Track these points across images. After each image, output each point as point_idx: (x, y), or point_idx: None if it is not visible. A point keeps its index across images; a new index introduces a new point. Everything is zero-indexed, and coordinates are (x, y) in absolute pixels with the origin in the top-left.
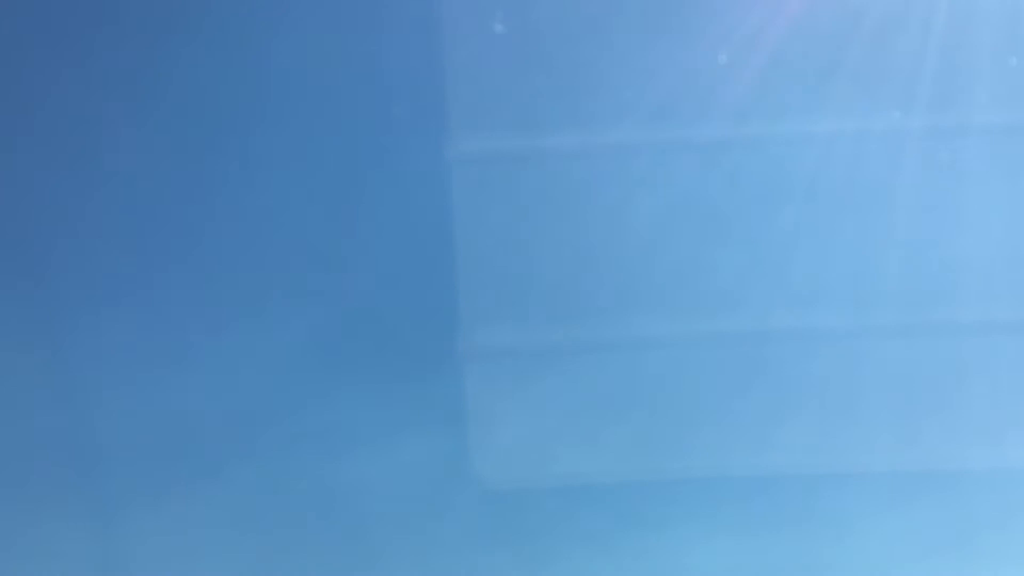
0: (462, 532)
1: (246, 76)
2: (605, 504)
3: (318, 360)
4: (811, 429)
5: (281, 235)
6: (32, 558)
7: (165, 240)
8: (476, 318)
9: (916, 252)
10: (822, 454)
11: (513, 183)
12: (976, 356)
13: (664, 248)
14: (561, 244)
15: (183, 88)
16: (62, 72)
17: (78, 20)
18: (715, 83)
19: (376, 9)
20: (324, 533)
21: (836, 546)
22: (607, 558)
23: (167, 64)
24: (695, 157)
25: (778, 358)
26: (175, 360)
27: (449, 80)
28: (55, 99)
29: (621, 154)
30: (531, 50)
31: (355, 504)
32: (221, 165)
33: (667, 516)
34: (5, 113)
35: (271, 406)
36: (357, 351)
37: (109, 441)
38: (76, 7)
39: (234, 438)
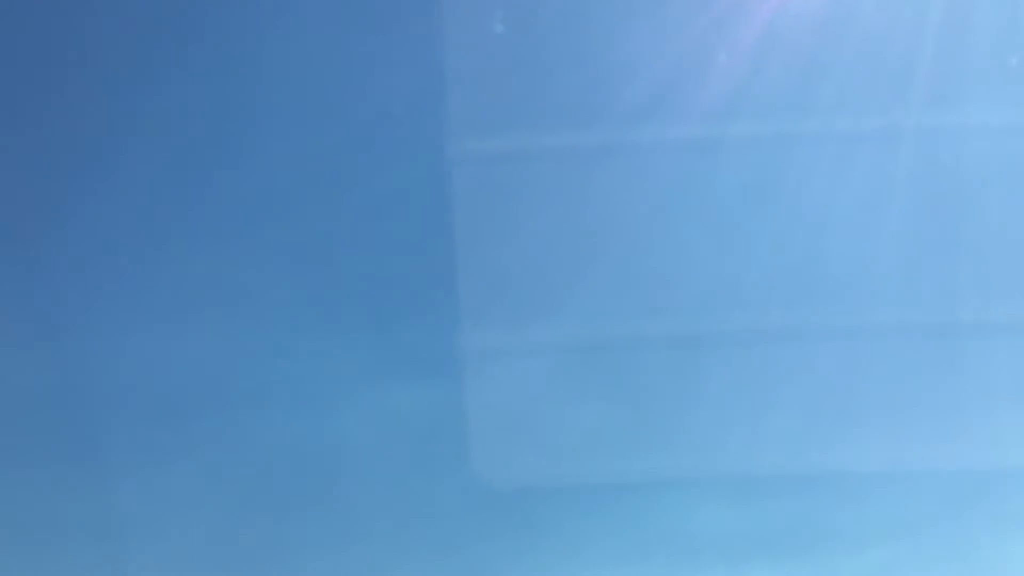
0: (460, 530)
1: (246, 76)
2: (603, 503)
3: (318, 357)
4: (811, 429)
5: (281, 235)
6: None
7: (161, 240)
8: (476, 318)
9: (914, 252)
10: (821, 452)
11: (513, 183)
12: (975, 355)
13: (663, 247)
14: (561, 244)
15: (184, 88)
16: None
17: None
18: (715, 83)
19: (376, 9)
20: (323, 532)
21: (831, 542)
22: (607, 556)
23: (168, 64)
24: (695, 157)
25: (778, 357)
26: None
27: (449, 80)
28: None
29: (621, 154)
30: (531, 50)
31: (354, 503)
32: (221, 165)
33: (665, 515)
34: None
35: (268, 406)
36: (357, 351)
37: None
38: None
39: (231, 443)
